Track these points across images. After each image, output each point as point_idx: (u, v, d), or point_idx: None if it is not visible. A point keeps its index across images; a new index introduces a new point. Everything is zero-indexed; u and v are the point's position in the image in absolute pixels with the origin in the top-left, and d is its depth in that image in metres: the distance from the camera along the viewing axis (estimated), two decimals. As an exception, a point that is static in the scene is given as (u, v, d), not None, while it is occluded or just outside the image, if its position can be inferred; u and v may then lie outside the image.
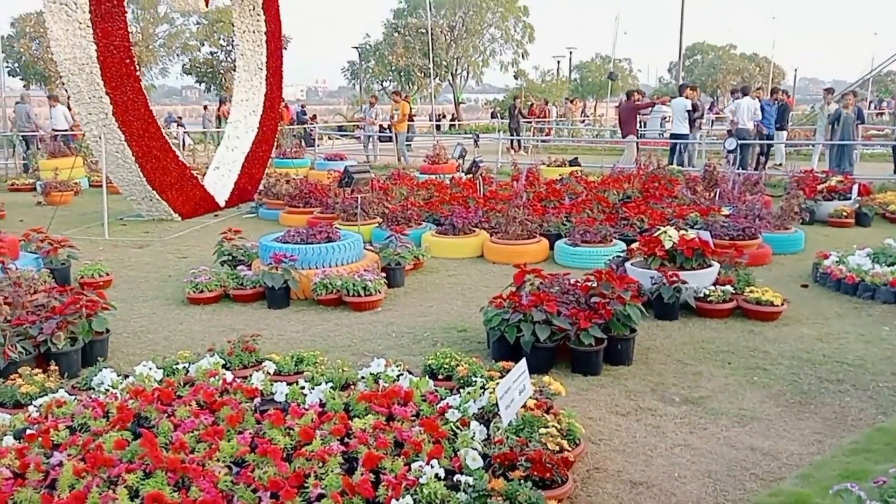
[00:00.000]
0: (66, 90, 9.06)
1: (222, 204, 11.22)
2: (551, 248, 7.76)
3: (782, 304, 5.55)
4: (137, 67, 9.23)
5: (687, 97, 15.25)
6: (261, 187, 11.74)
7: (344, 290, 5.92)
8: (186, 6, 10.10)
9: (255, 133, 12.14)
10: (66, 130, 17.07)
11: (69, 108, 17.44)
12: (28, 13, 29.25)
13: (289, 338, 5.20)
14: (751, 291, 5.66)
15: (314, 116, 29.85)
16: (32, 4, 33.74)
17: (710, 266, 5.87)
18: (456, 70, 40.65)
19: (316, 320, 5.63)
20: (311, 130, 21.92)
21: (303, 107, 31.22)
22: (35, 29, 27.77)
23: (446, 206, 8.94)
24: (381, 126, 21.62)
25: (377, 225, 8.37)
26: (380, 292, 5.98)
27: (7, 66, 27.74)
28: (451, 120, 37.01)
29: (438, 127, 33.08)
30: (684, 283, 5.51)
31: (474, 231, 8.08)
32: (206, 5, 10.30)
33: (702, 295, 5.60)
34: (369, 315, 5.76)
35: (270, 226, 9.79)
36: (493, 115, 36.77)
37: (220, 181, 11.60)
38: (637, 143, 15.68)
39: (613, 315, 4.51)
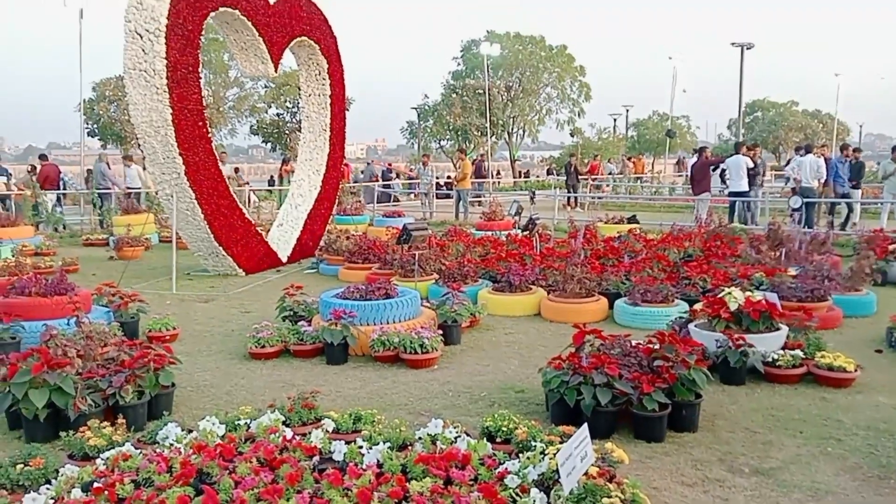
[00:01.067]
0: (142, 151, 9.54)
1: (284, 260, 11.50)
2: (610, 307, 7.63)
3: (856, 371, 5.29)
4: (209, 129, 9.68)
5: (744, 154, 15.08)
6: (322, 243, 12.02)
7: (401, 347, 5.94)
8: (257, 71, 10.61)
9: (318, 191, 12.51)
10: (139, 188, 17.93)
11: (143, 168, 18.40)
12: (108, 77, 31.05)
13: (346, 394, 5.21)
14: (822, 356, 5.42)
15: (398, 175, 30.60)
16: (112, 69, 35.90)
17: (777, 329, 5.67)
18: (512, 128, 41.19)
19: (373, 377, 5.65)
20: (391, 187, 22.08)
21: (388, 165, 31.84)
22: (114, 93, 29.48)
23: (503, 262, 8.94)
24: (437, 183, 21.99)
25: (434, 281, 8.42)
26: (436, 350, 5.97)
27: (87, 127, 29.41)
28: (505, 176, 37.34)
29: (526, 182, 33.32)
30: (751, 346, 5.33)
31: (531, 288, 8.02)
32: (276, 70, 10.80)
33: (770, 359, 5.39)
34: (426, 373, 5.74)
35: (330, 281, 9.96)
36: (548, 172, 36.97)
37: (283, 237, 11.92)
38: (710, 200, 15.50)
39: (677, 379, 4.38)
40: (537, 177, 38.79)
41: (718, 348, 5.37)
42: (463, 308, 6.85)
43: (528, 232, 11.63)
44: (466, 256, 9.54)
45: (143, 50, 8.70)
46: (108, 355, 4.89)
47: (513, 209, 13.52)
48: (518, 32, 40.93)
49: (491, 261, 9.20)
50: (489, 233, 12.70)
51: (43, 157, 18.86)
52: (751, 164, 14.98)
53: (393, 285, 6.75)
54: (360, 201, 18.76)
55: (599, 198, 23.01)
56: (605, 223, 13.72)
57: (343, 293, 6.65)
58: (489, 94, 32.83)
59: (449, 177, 20.19)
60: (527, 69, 39.79)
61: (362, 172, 26.82)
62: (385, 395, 5.18)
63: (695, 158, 16.79)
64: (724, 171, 16.05)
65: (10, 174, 18.34)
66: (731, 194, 15.13)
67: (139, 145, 9.74)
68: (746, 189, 14.94)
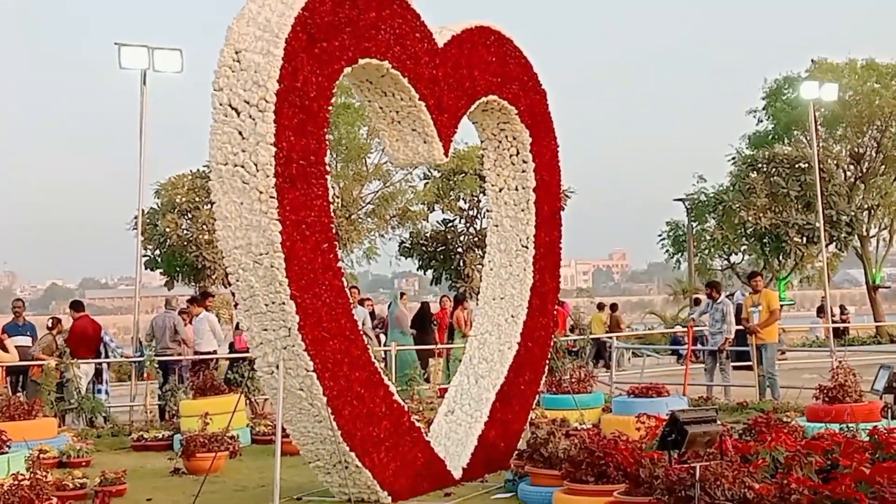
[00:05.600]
0: (233, 293, 10.34)
1: (458, 474, 11.70)
2: None
3: None
4: (338, 253, 10.34)
5: None
6: (521, 445, 12.11)
7: None
8: (416, 156, 11.31)
9: (515, 352, 12.81)
10: (211, 353, 19.29)
11: (218, 318, 19.92)
12: (180, 175, 33.30)
13: None
14: None
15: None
16: (187, 163, 38.67)
17: None
18: (868, 229, 40.03)
19: None
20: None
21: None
22: (188, 198, 31.86)
23: (865, 486, 8.53)
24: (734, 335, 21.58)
25: (732, 520, 8.16)
26: None
27: (145, 255, 31.15)
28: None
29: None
30: None
31: (928, 538, 7.54)
32: (446, 154, 11.42)
33: None
34: None
35: (539, 516, 9.96)
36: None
37: (454, 435, 12.20)
38: None
39: None
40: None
41: None
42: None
43: (911, 425, 11.05)
44: (793, 473, 9.22)
45: (241, 133, 9.57)
46: None
47: (881, 381, 12.95)
48: (872, 59, 40.49)
49: (842, 482, 8.81)
50: (834, 426, 12.18)
51: (76, 305, 20.17)
52: None
53: (656, 526, 6.65)
54: (585, 367, 18.75)
55: None
56: None
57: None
58: (821, 170, 32.38)
59: (747, 318, 19.50)
60: (891, 122, 38.99)
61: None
62: None
63: None
64: None
65: (35, 334, 19.98)
66: None
67: (226, 283, 10.56)
68: None
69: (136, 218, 24.39)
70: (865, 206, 39.16)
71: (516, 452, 11.98)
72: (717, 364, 20.23)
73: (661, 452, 9.29)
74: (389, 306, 24.18)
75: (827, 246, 33.54)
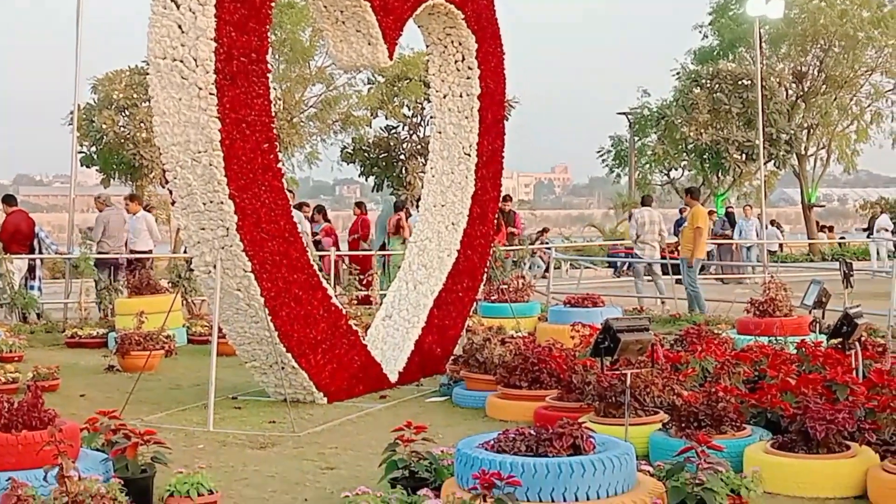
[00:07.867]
0: (170, 191, 10.22)
1: (394, 377, 11.81)
2: None
3: None
4: (278, 155, 10.24)
5: None
6: (457, 350, 12.25)
7: (601, 547, 5.87)
8: (360, 59, 11.19)
9: (454, 260, 12.89)
10: (147, 252, 19.18)
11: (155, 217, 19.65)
12: (118, 70, 32.55)
13: None
14: None
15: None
16: (126, 58, 38.02)
17: None
18: (806, 148, 40.32)
19: None
20: None
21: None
22: (126, 94, 31.37)
23: (790, 396, 8.71)
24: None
25: (661, 427, 8.34)
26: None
27: (82, 152, 31.08)
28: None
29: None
30: None
31: (847, 447, 7.73)
32: (391, 57, 11.33)
33: None
34: None
35: (473, 418, 10.13)
36: (867, 229, 35.75)
37: (392, 339, 12.29)
38: None
39: None
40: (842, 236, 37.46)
41: None
42: (716, 479, 6.71)
43: (840, 340, 11.22)
44: (721, 383, 9.37)
45: (180, 26, 9.38)
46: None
47: (810, 297, 13.12)
48: (817, -23, 40.49)
49: (768, 392, 8.98)
50: (763, 339, 12.39)
51: (8, 199, 19.73)
52: None
53: (585, 430, 6.73)
54: (523, 278, 18.88)
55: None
56: None
57: (496, 442, 6.70)
58: (764, 88, 32.45)
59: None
60: (834, 42, 39.09)
61: None
62: None
63: None
64: None
65: None
66: None
67: (164, 181, 10.42)
68: None
69: (71, 114, 24.08)
70: (805, 125, 39.36)
71: (452, 357, 12.14)
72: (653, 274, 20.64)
73: (594, 360, 9.40)
74: (381, 213, 24.18)
75: (765, 163, 33.84)
